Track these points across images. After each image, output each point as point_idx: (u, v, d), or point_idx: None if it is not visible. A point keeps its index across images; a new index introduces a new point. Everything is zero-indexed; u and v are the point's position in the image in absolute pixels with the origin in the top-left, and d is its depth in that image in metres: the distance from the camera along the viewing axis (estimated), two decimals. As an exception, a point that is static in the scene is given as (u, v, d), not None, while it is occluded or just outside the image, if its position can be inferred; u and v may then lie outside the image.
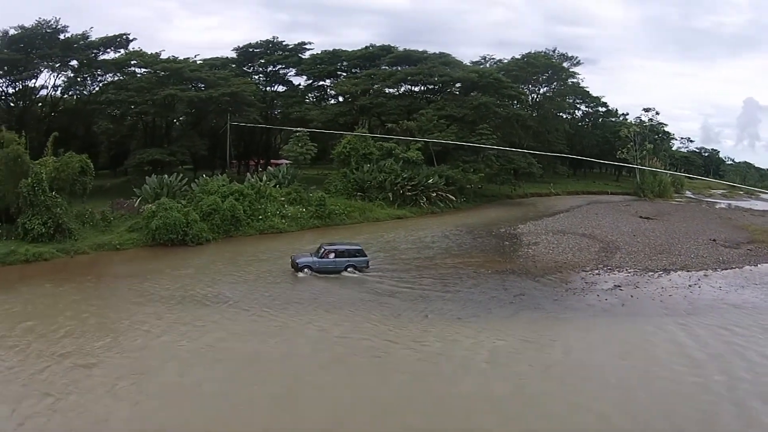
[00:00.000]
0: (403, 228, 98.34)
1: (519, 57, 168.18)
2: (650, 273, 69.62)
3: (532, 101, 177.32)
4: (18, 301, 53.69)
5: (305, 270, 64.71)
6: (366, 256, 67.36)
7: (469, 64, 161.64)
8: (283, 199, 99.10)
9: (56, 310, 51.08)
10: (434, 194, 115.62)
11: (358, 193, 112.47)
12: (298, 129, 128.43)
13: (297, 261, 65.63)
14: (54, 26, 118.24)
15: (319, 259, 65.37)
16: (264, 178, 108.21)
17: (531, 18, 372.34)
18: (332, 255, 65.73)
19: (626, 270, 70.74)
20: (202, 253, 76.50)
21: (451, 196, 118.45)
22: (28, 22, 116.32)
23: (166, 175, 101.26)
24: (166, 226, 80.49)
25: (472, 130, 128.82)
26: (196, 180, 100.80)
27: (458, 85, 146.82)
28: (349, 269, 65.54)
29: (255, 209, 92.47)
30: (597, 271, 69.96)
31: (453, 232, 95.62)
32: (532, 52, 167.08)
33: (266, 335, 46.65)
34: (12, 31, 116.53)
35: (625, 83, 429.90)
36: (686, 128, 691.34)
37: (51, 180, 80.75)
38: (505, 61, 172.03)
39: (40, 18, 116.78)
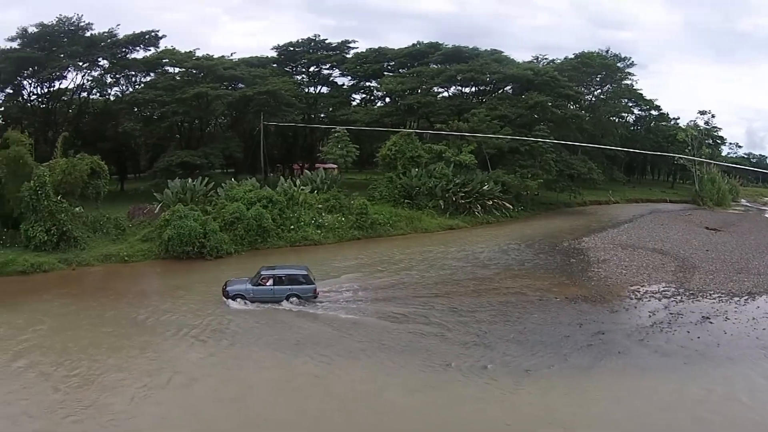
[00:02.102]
0: (455, 240, 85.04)
1: (572, 57, 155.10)
2: (735, 298, 56.68)
3: (586, 103, 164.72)
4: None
5: (237, 299, 52.18)
6: (313, 283, 53.24)
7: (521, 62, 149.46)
8: (320, 206, 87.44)
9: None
10: (490, 202, 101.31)
11: (406, 201, 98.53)
12: (334, 126, 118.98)
13: (228, 288, 53.46)
14: (76, 24, 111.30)
15: (254, 287, 52.78)
16: (298, 182, 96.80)
17: (575, 22, 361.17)
18: (269, 282, 52.91)
19: (710, 295, 57.40)
20: (218, 268, 65.04)
21: (507, 204, 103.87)
22: (48, 20, 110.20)
23: (189, 179, 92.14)
24: (180, 237, 71.27)
25: (528, 132, 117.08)
26: (222, 185, 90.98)
27: (510, 86, 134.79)
28: (291, 299, 52.16)
29: (286, 218, 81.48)
30: (679, 297, 56.83)
31: (511, 245, 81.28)
32: (586, 51, 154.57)
33: (285, 393, 35.71)
34: (31, 29, 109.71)
35: (668, 87, 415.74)
36: (729, 133, 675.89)
37: (58, 183, 73.42)
38: (558, 61, 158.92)
39: (60, 15, 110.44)
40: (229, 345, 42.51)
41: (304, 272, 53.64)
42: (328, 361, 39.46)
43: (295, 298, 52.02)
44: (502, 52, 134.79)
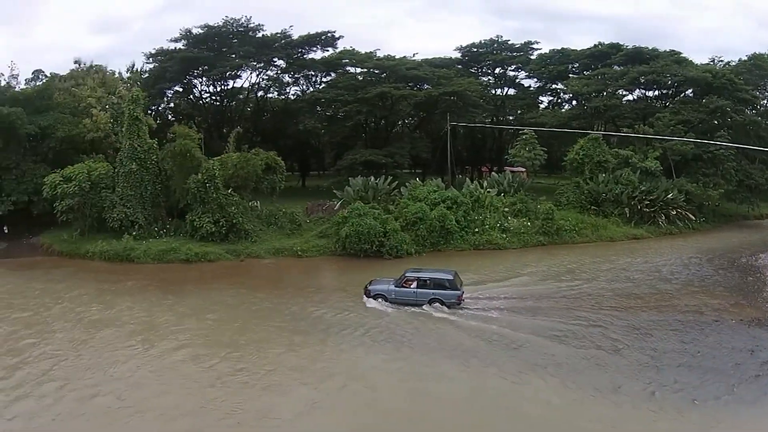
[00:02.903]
0: (638, 251, 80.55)
1: (745, 59, 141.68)
2: None
3: (762, 109, 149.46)
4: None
5: (378, 299, 52.59)
6: (458, 289, 52.00)
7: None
8: (506, 209, 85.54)
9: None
10: (673, 212, 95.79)
11: (592, 207, 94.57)
12: (521, 128, 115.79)
13: (370, 287, 53.91)
14: (245, 25, 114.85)
15: (397, 288, 52.72)
16: (485, 184, 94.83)
17: (742, 23, 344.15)
18: (413, 284, 52.41)
19: None
20: (396, 268, 62.72)
21: (690, 215, 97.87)
22: (213, 21, 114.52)
23: (372, 177, 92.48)
24: (357, 235, 71.66)
25: (710, 139, 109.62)
26: (406, 184, 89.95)
27: (690, 89, 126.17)
28: (434, 304, 51.29)
29: (470, 220, 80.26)
30: None
31: (693, 259, 76.03)
32: (757, 53, 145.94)
33: (474, 410, 33.78)
34: (196, 30, 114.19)
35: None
36: None
37: (229, 177, 76.14)
38: (733, 63, 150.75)
39: (227, 17, 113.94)
40: (409, 352, 41.28)
41: (450, 277, 52.50)
42: (505, 375, 37.59)
43: (437, 303, 51.31)
44: (681, 53, 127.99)
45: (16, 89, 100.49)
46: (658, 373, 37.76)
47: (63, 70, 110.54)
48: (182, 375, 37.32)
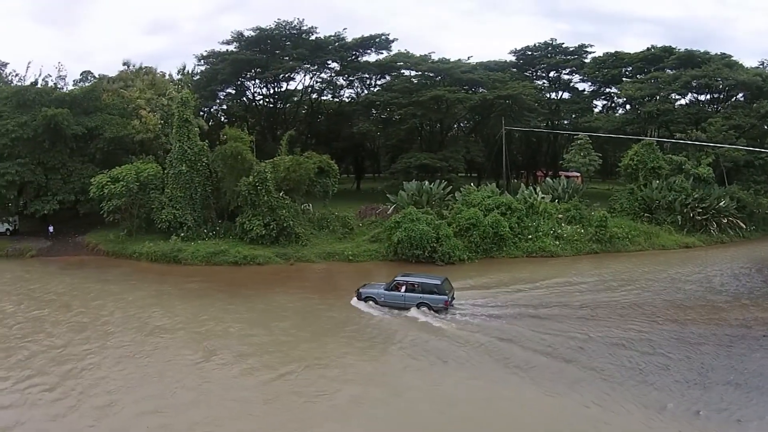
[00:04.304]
0: (691, 260, 79.05)
1: None
2: None
3: None
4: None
5: (369, 301, 54.59)
6: (445, 294, 52.96)
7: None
8: (560, 216, 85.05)
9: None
10: (725, 220, 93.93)
11: (645, 214, 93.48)
12: (575, 133, 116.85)
13: (362, 290, 55.98)
14: (298, 27, 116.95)
15: (386, 291, 54.53)
16: (539, 190, 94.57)
17: None
18: (402, 288, 54.17)
19: None
20: (449, 274, 61.61)
21: (741, 223, 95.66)
22: (265, 24, 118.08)
23: (426, 181, 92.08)
24: (410, 240, 72.09)
25: (761, 145, 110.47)
26: (461, 189, 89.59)
27: (741, 93, 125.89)
28: (421, 308, 52.66)
29: (524, 227, 79.97)
30: None
31: (743, 270, 74.12)
32: None
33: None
34: (247, 33, 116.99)
35: None
36: None
37: (281, 180, 76.60)
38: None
39: (279, 19, 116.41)
40: (488, 371, 40.14)
41: (438, 282, 53.65)
42: (555, 387, 37.21)
43: (425, 307, 52.54)
44: (731, 56, 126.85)
45: (64, 90, 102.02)
46: (705, 390, 37.05)
47: (111, 72, 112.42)
48: (257, 395, 36.15)
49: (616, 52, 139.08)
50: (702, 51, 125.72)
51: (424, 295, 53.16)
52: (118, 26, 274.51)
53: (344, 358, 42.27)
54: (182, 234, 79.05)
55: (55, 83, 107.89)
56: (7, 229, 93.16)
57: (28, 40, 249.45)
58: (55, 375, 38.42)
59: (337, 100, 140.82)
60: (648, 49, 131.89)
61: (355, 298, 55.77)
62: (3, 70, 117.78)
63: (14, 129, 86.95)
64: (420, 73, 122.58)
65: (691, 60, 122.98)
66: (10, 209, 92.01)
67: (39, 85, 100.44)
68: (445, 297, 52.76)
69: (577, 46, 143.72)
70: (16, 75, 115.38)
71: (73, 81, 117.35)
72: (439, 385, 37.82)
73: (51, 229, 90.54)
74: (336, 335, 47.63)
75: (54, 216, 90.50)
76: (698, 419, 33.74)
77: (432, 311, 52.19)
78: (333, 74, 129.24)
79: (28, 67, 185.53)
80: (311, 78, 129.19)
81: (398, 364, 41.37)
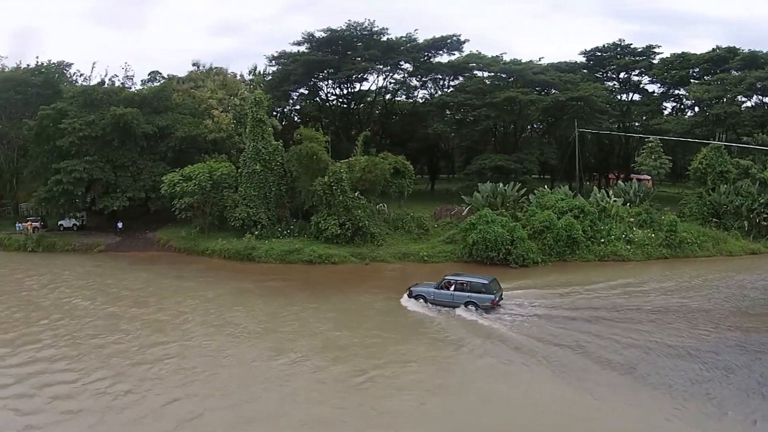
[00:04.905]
0: (756, 267, 76.22)
1: None
2: None
3: None
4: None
5: (420, 300, 55.82)
6: (492, 293, 53.84)
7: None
8: (631, 219, 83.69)
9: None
10: None
11: (713, 219, 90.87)
12: (646, 136, 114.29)
13: (413, 288, 57.21)
14: (369, 28, 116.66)
15: (436, 290, 55.67)
16: (611, 194, 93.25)
17: None
18: (451, 287, 55.17)
19: None
20: (523, 277, 63.67)
21: None
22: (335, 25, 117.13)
23: (501, 184, 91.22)
24: (485, 242, 71.70)
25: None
26: (535, 191, 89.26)
27: None
28: (468, 306, 53.58)
29: (596, 230, 78.76)
30: None
31: None
32: None
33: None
34: (318, 34, 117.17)
35: None
36: None
37: (357, 180, 76.76)
38: None
39: (350, 20, 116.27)
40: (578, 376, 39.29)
41: (486, 282, 54.54)
42: (618, 393, 36.61)
43: (472, 306, 53.37)
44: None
45: (131, 90, 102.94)
46: (763, 400, 36.44)
47: (179, 72, 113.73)
48: (345, 399, 35.54)
49: (683, 53, 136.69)
50: (765, 51, 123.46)
51: (472, 294, 54.01)
52: (183, 28, 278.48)
53: (434, 361, 42.17)
54: (256, 232, 79.85)
55: (122, 83, 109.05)
56: (74, 224, 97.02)
57: (90, 41, 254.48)
58: (132, 376, 38.27)
59: (411, 100, 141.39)
60: (713, 49, 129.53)
61: (406, 296, 56.91)
62: (67, 71, 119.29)
63: (81, 127, 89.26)
64: (493, 74, 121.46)
65: (755, 61, 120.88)
66: (77, 205, 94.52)
67: (106, 85, 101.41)
68: (492, 296, 53.72)
69: (645, 46, 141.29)
70: (81, 75, 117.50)
71: (141, 81, 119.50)
72: (528, 391, 37.25)
73: (120, 225, 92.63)
74: (422, 336, 47.70)
75: (123, 212, 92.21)
76: (754, 429, 33.30)
77: (479, 310, 53.02)
78: (406, 75, 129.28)
79: (93, 67, 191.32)
80: (384, 79, 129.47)
81: (486, 367, 41.03)
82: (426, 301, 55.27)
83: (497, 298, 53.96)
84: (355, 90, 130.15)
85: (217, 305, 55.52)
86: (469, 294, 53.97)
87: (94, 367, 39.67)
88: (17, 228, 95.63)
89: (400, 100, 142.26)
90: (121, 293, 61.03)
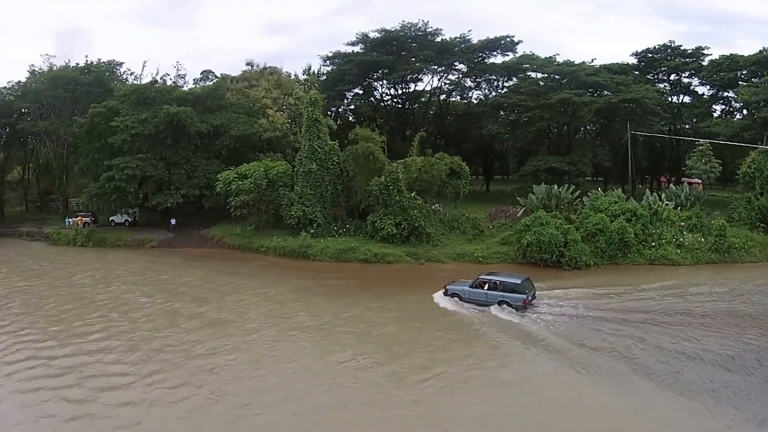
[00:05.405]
0: None
1: None
2: None
3: None
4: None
5: (454, 298, 57.05)
6: (525, 293, 54.62)
7: None
8: (682, 223, 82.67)
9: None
10: None
11: (761, 225, 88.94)
12: (696, 139, 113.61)
13: (449, 287, 58.45)
14: (423, 29, 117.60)
15: (471, 289, 56.78)
16: (663, 197, 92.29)
17: None
18: (485, 286, 56.21)
19: None
20: (575, 279, 63.88)
21: None
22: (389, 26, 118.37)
23: (555, 185, 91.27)
24: (539, 244, 71.70)
25: None
26: (588, 194, 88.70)
27: None
28: (502, 305, 54.44)
29: (648, 234, 78.01)
30: None
31: None
32: None
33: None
34: (372, 34, 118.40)
35: None
36: None
37: (413, 180, 77.37)
38: None
39: (404, 21, 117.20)
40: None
41: (519, 282, 55.40)
42: (667, 395, 36.71)
43: (505, 305, 54.17)
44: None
45: (184, 89, 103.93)
46: None
47: (232, 71, 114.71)
48: (409, 404, 35.11)
49: (731, 54, 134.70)
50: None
51: (505, 294, 54.83)
52: (233, 28, 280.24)
53: (504, 362, 42.55)
54: (312, 230, 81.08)
55: (174, 82, 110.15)
56: (126, 220, 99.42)
57: (139, 41, 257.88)
58: (199, 379, 38.38)
59: (466, 101, 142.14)
60: (760, 51, 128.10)
61: (441, 293, 58.23)
62: (117, 69, 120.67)
63: (134, 125, 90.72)
64: (546, 75, 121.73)
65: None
66: (129, 201, 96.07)
67: (158, 84, 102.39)
68: (524, 296, 54.45)
69: (694, 48, 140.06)
70: (131, 74, 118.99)
71: (194, 80, 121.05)
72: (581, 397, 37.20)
73: (173, 221, 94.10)
74: (488, 338, 47.84)
75: (175, 209, 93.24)
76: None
77: (512, 309, 53.70)
78: (460, 75, 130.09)
79: (143, 66, 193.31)
80: (439, 79, 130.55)
81: (546, 371, 40.81)
82: (461, 299, 56.46)
83: (529, 298, 54.90)
84: (410, 90, 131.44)
85: (279, 303, 56.15)
86: (502, 293, 54.88)
87: (168, 367, 40.12)
88: (66, 223, 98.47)
89: (454, 101, 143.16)
90: (179, 290, 61.98)
